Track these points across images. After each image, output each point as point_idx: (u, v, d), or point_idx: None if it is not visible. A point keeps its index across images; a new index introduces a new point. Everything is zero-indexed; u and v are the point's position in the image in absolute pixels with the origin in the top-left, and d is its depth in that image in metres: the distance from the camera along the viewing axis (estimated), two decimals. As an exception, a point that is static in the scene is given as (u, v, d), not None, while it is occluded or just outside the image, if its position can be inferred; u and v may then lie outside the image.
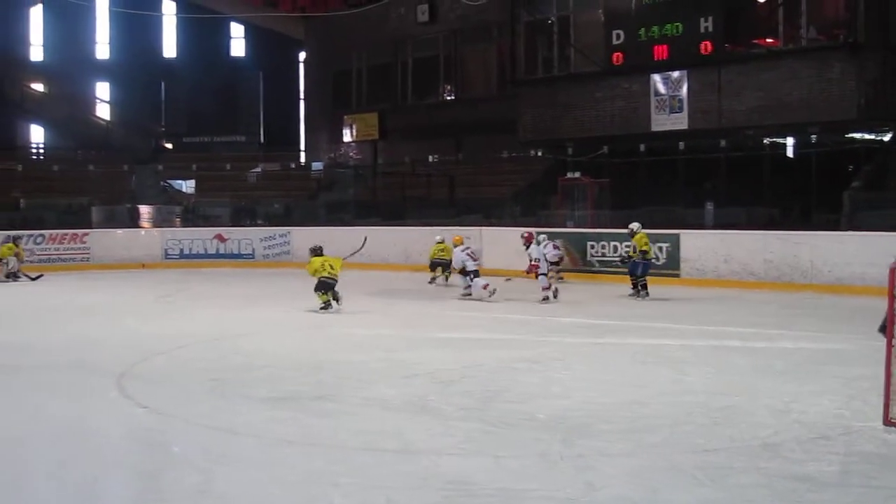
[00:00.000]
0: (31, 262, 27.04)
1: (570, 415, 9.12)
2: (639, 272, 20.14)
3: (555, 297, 19.29)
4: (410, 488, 6.95)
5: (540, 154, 31.18)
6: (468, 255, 20.46)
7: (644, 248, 20.15)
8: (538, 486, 6.98)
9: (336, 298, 17.83)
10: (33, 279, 24.95)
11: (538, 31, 30.13)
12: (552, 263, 21.37)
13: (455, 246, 21.24)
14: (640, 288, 20.02)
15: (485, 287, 19.68)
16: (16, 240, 25.71)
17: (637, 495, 6.80)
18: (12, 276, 24.85)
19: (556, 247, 22.81)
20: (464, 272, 20.45)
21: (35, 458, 8.06)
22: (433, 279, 23.50)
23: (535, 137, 30.27)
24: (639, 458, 7.65)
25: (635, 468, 7.37)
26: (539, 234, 21.60)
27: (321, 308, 17.70)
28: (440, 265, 23.15)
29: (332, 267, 17.90)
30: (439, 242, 23.34)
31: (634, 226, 20.43)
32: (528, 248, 19.98)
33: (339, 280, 17.83)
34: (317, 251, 18.48)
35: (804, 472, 7.29)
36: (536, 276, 19.51)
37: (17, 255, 25.22)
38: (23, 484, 7.38)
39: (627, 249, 21.27)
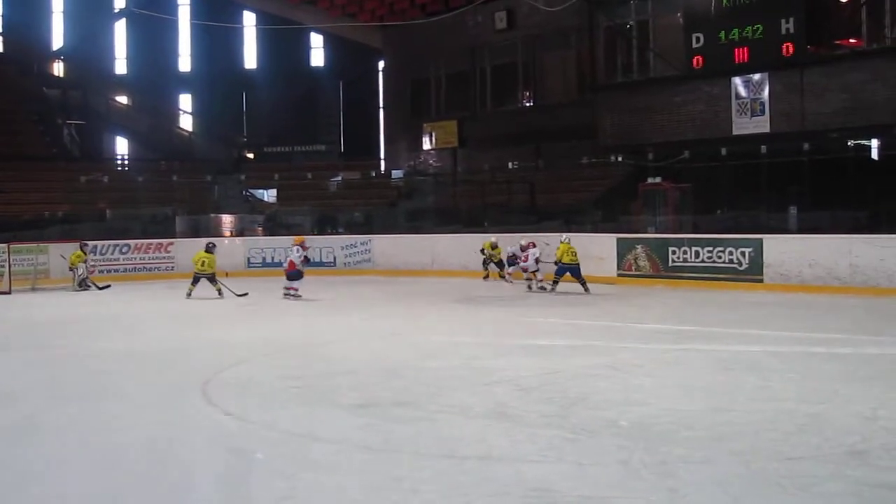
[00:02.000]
0: (117, 271, 27.56)
1: (652, 422, 9.05)
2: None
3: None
4: (492, 495, 6.96)
5: (620, 159, 31.01)
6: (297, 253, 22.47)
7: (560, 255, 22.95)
8: (621, 494, 6.95)
9: (219, 291, 22.60)
10: (101, 288, 25.31)
11: (617, 35, 30.07)
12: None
13: (294, 245, 22.98)
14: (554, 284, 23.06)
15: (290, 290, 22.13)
16: (83, 247, 26.02)
17: (721, 503, 6.74)
18: (83, 284, 25.20)
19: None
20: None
21: (122, 465, 8.18)
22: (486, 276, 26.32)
23: (615, 143, 30.18)
24: (722, 466, 7.56)
25: (719, 476, 7.29)
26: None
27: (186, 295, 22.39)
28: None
29: (202, 263, 22.65)
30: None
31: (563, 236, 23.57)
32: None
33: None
34: (206, 247, 23.23)
35: (892, 479, 7.18)
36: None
37: (84, 262, 25.56)
38: (111, 490, 7.51)
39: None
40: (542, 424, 9.07)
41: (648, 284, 23.57)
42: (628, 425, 8.96)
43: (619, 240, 24.89)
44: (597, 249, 24.97)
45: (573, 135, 31.87)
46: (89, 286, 25.24)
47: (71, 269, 25.40)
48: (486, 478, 7.39)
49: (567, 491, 7.00)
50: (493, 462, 7.84)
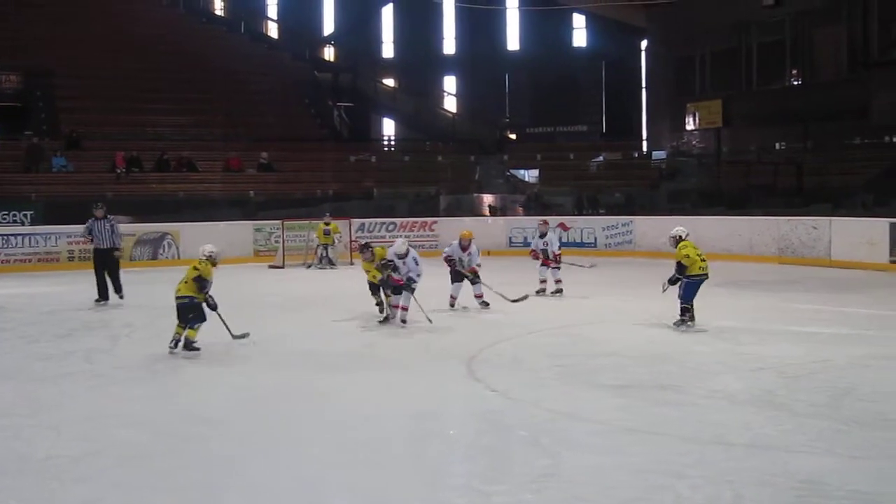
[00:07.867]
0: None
1: (928, 416, 8.73)
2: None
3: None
4: (760, 484, 6.89)
5: (895, 140, 29.64)
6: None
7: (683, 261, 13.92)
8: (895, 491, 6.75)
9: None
10: (333, 265, 25.23)
11: (893, 9, 28.69)
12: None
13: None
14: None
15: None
16: (327, 221, 25.87)
17: None
18: (326, 261, 25.32)
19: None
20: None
21: (388, 435, 8.57)
22: None
23: (890, 122, 28.89)
24: None
25: None
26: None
27: None
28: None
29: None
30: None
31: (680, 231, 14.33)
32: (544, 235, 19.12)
33: None
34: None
35: None
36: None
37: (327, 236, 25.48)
38: (377, 457, 7.87)
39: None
40: (810, 414, 8.89)
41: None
42: (902, 419, 8.67)
43: (892, 225, 23.76)
44: (868, 234, 23.97)
45: (844, 114, 30.67)
46: (329, 264, 25.32)
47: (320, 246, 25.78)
48: (753, 466, 7.33)
49: (838, 485, 6.86)
50: (759, 450, 7.76)
